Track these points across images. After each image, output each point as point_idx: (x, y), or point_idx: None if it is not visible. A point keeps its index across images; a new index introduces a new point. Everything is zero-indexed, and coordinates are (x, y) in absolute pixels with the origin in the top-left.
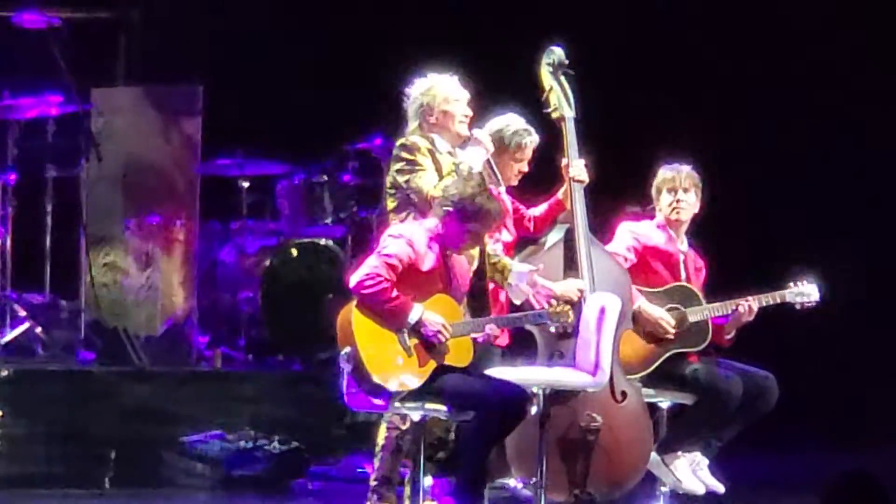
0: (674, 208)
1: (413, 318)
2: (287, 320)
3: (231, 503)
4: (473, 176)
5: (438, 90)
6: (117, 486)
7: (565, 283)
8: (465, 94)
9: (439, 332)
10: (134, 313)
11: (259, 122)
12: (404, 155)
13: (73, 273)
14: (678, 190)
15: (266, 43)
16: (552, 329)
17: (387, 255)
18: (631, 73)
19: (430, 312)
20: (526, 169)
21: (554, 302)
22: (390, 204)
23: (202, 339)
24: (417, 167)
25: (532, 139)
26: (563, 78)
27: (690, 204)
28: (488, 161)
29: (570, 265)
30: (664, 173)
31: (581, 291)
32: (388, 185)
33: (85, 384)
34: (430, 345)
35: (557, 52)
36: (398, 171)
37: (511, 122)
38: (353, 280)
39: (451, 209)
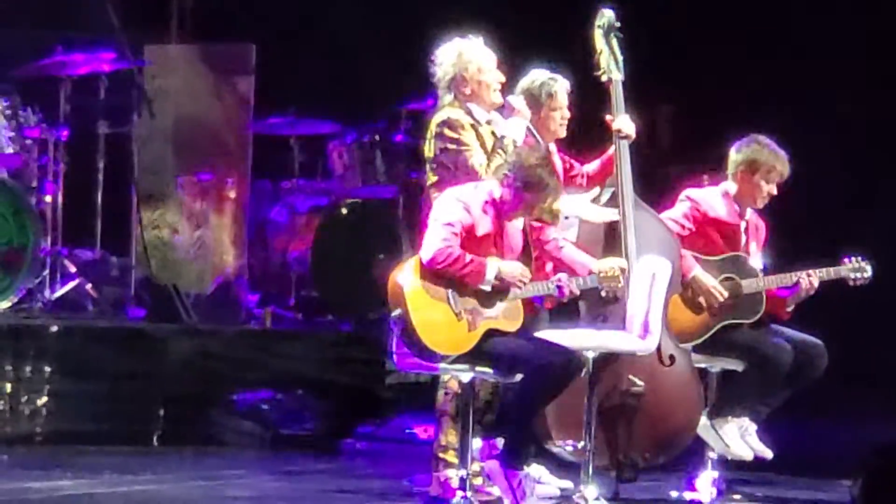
0: (759, 197)
1: (491, 274)
2: (337, 280)
3: (279, 462)
4: (540, 147)
5: (471, 59)
6: (166, 444)
7: (606, 261)
8: (494, 59)
9: (520, 278)
10: (184, 271)
11: (311, 81)
12: (448, 133)
13: (124, 230)
14: (777, 182)
15: (319, 1)
16: (602, 293)
17: (449, 224)
18: (703, 37)
19: (505, 263)
20: (568, 115)
21: (604, 267)
22: (431, 177)
23: (252, 297)
24: (464, 146)
25: (560, 84)
26: (613, 40)
27: (773, 194)
28: (528, 127)
29: (612, 232)
30: (772, 157)
31: (623, 270)
32: (429, 159)
33: (134, 341)
34: (480, 309)
35: (608, 15)
36: (443, 149)
37: (535, 76)
38: (426, 256)
39: (510, 175)
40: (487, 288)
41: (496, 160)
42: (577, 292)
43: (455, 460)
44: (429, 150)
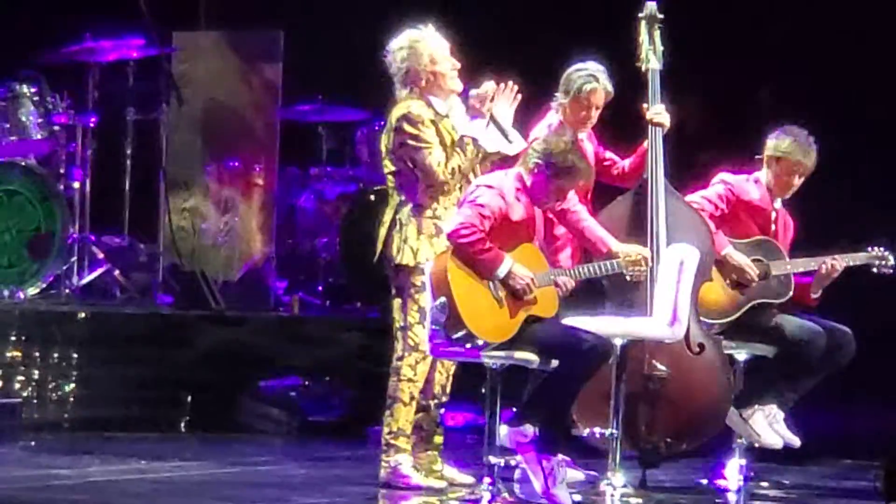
0: (786, 187)
1: (502, 271)
2: (365, 267)
3: (306, 449)
4: (566, 132)
5: (422, 51)
6: (193, 430)
7: (630, 247)
8: (447, 47)
9: (528, 285)
10: (212, 257)
11: (339, 68)
12: (407, 128)
13: (152, 216)
14: (801, 175)
15: None
16: (627, 278)
17: (480, 206)
18: (738, 26)
19: (519, 266)
20: (594, 117)
21: (629, 253)
22: (389, 167)
23: (280, 284)
24: (423, 143)
25: (599, 85)
26: (655, 32)
27: (798, 186)
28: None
29: (638, 217)
30: (798, 150)
31: (645, 258)
32: (388, 151)
33: (162, 328)
34: (519, 296)
35: (651, 7)
36: (402, 144)
37: (585, 66)
38: (449, 227)
39: (541, 162)
40: (496, 283)
41: (454, 159)
42: (569, 288)
43: (407, 447)
44: (387, 142)
